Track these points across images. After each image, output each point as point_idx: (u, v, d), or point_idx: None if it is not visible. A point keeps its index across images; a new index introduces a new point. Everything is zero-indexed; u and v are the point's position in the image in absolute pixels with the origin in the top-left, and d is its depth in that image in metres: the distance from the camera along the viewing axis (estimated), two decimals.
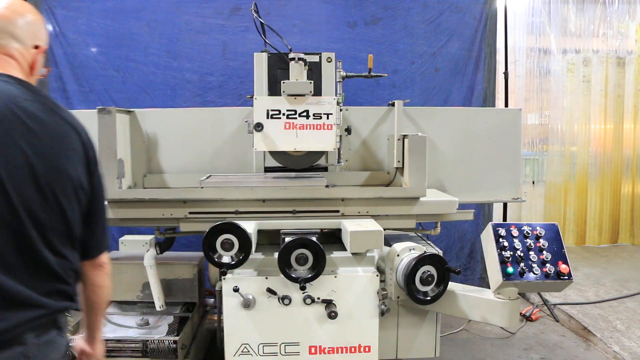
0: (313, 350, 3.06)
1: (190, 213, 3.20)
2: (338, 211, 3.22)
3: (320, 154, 3.43)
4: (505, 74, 5.42)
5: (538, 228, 3.07)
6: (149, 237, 3.90)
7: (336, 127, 3.19)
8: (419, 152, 3.25)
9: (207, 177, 3.37)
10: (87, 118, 3.58)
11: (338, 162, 3.54)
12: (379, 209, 3.25)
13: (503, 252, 2.97)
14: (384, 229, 2.98)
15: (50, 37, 4.96)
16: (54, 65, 5.02)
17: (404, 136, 3.44)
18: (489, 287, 3.06)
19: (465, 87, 5.11)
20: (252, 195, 3.18)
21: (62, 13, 4.94)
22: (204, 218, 3.18)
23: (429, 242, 3.61)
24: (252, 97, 3.24)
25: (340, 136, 3.41)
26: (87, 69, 5.01)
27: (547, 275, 2.93)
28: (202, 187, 3.22)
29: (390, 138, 3.70)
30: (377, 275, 3.03)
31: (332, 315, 2.95)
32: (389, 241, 3.28)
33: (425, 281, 2.93)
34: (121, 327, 3.75)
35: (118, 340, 3.48)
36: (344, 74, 3.61)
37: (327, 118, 3.17)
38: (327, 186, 3.21)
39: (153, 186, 3.69)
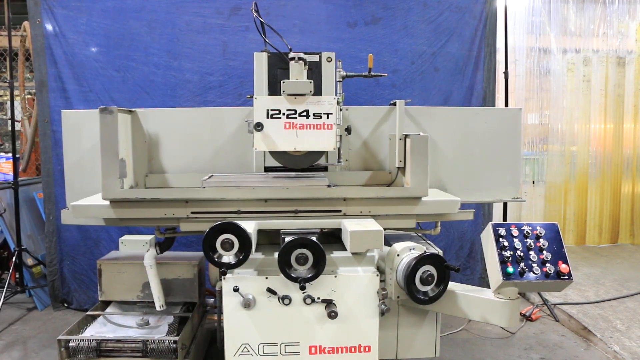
0: (313, 350, 3.06)
1: (192, 213, 3.20)
2: (340, 211, 3.22)
3: (320, 153, 3.43)
4: (505, 73, 5.43)
5: (538, 228, 3.07)
6: (149, 237, 3.92)
7: (336, 126, 3.19)
8: (420, 151, 3.25)
9: (209, 177, 3.37)
10: (86, 118, 3.66)
11: (338, 162, 3.54)
12: (381, 209, 3.25)
13: (503, 252, 2.98)
14: (384, 229, 2.98)
15: (50, 37, 4.97)
16: (54, 65, 5.02)
17: (406, 136, 3.45)
18: (489, 287, 3.06)
19: (465, 87, 5.11)
20: (254, 195, 3.18)
21: (62, 13, 4.94)
22: (206, 218, 3.17)
23: (428, 241, 3.62)
24: (252, 96, 3.25)
25: (341, 136, 3.41)
26: (86, 69, 5.01)
27: (547, 275, 2.93)
28: (204, 187, 3.22)
29: (392, 138, 3.71)
30: (377, 275, 3.03)
31: (332, 315, 2.96)
32: (389, 241, 3.28)
33: (425, 281, 2.93)
34: (121, 327, 3.75)
35: (118, 340, 3.48)
36: (344, 73, 3.61)
37: (327, 118, 3.17)
38: (329, 186, 3.21)
39: (155, 186, 3.69)
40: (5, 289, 5.15)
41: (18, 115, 6.79)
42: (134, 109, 3.69)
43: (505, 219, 5.41)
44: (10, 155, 5.96)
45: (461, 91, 5.11)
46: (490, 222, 3.10)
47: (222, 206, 3.20)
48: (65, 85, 5.03)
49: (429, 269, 2.93)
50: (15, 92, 5.56)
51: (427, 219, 3.40)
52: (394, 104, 3.74)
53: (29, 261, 5.58)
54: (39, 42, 5.02)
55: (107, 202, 3.20)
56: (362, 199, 3.23)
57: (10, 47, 5.40)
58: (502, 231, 3.04)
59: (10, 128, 5.72)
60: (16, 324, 5.03)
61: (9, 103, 6.32)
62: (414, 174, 3.26)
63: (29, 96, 7.34)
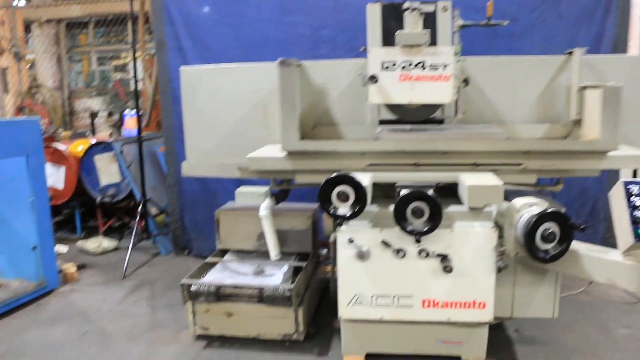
0: (426, 303, 3.08)
1: (369, 165, 3.24)
2: (520, 164, 3.15)
3: (436, 106, 3.35)
4: None
5: None
6: (264, 189, 4.05)
7: (453, 78, 3.09)
8: (612, 102, 3.04)
9: (381, 129, 3.38)
10: (203, 74, 3.80)
11: (455, 115, 3.44)
12: (563, 163, 3.14)
13: (635, 212, 2.77)
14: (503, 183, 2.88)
15: None
16: (171, 25, 5.24)
17: (584, 87, 3.24)
18: (613, 248, 2.88)
19: (592, 33, 4.71)
20: (433, 147, 3.16)
21: None
22: (382, 170, 3.20)
23: (550, 198, 3.44)
24: (365, 49, 3.21)
25: (458, 87, 3.30)
26: (201, 27, 5.17)
27: None
28: (378, 139, 3.23)
29: (569, 89, 3.47)
30: (495, 231, 2.95)
31: (447, 269, 2.94)
32: (507, 196, 3.17)
33: (546, 239, 2.82)
34: (238, 274, 3.96)
35: (235, 286, 3.67)
36: (461, 22, 3.46)
37: (444, 69, 3.07)
38: (507, 139, 3.14)
39: (321, 138, 3.69)
40: (133, 235, 5.61)
41: (140, 74, 7.20)
42: (301, 61, 3.64)
43: (635, 176, 5.01)
44: (134, 112, 6.37)
45: (588, 38, 4.71)
46: (621, 180, 2.89)
47: (399, 158, 3.22)
48: (182, 43, 5.25)
49: (551, 226, 2.81)
50: (137, 54, 5.88)
51: (552, 175, 3.24)
52: (570, 53, 3.50)
53: (153, 211, 6.01)
54: (157, 3, 5.25)
55: (277, 155, 3.30)
56: (543, 152, 3.13)
57: (132, 11, 5.71)
58: (635, 189, 2.82)
59: (133, 87, 6.11)
60: (143, 267, 5.49)
61: (131, 64, 6.73)
62: (605, 127, 3.06)
63: (148, 56, 7.77)
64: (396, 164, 3.22)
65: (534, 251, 2.83)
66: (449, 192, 3.22)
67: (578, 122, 3.33)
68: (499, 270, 2.99)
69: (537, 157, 3.14)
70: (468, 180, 2.91)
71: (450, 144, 3.15)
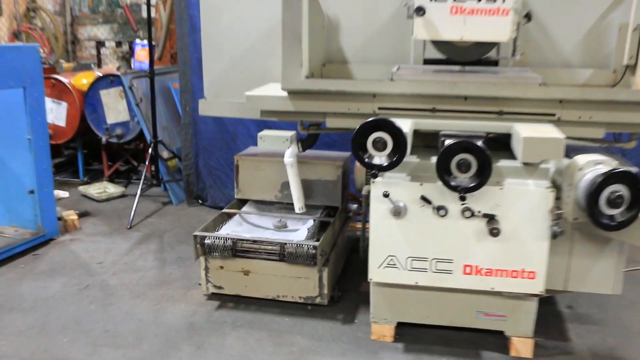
0: (468, 270, 3.11)
1: (379, 109, 3.25)
2: (554, 114, 3.11)
3: (491, 44, 3.30)
4: None
5: None
6: (290, 133, 4.09)
7: (513, 12, 3.03)
8: None
9: (398, 69, 3.37)
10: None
11: (512, 56, 3.38)
12: (606, 115, 3.07)
13: None
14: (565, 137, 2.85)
15: None
16: None
17: None
18: None
19: None
20: (453, 91, 3.13)
21: None
22: (393, 114, 3.17)
23: (620, 156, 3.40)
24: None
25: (518, 24, 3.23)
26: None
27: None
28: (393, 80, 3.22)
29: (623, 27, 3.41)
30: (552, 191, 2.94)
31: (494, 232, 2.95)
32: (568, 152, 3.14)
33: (612, 203, 2.79)
34: (258, 227, 4.05)
35: (254, 241, 3.76)
36: None
37: (503, 1, 3.00)
38: (541, 84, 3.10)
39: (332, 77, 3.69)
40: (142, 181, 5.74)
41: None
42: None
43: None
44: (146, 42, 6.41)
45: None
46: None
47: (414, 102, 3.21)
48: None
49: (620, 188, 2.77)
50: None
51: (620, 129, 3.18)
52: None
53: (165, 154, 6.13)
54: None
55: (281, 93, 3.31)
56: (583, 101, 3.06)
57: None
58: None
59: (145, 14, 6.11)
60: (152, 216, 5.65)
61: None
62: None
63: None
64: (410, 108, 3.20)
65: (597, 216, 2.81)
66: (501, 144, 3.21)
67: (632, 68, 3.26)
68: (554, 236, 2.98)
69: (574, 106, 3.07)
70: (524, 130, 2.88)
71: (473, 88, 3.10)
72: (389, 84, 3.20)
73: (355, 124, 2.95)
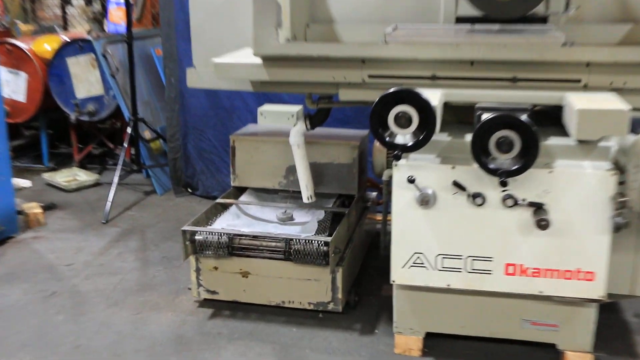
0: (511, 269, 3.12)
1: (370, 77, 3.26)
2: (579, 81, 3.10)
3: None
4: None
5: None
6: (296, 108, 4.08)
7: None
8: None
9: (394, 29, 3.37)
10: None
11: (565, 11, 3.36)
12: None
13: None
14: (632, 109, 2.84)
15: None
16: None
17: None
18: None
19: None
20: (457, 55, 3.13)
21: None
22: (386, 84, 3.17)
23: None
24: None
25: None
26: None
27: None
28: (386, 42, 3.23)
29: None
30: (614, 174, 2.94)
31: (543, 224, 2.95)
32: (634, 127, 3.12)
33: None
34: (258, 220, 4.07)
35: (255, 237, 3.77)
36: None
37: None
38: (564, 44, 3.09)
39: (319, 39, 3.72)
40: (119, 166, 5.76)
41: None
42: None
43: None
44: (122, 0, 6.39)
45: None
46: None
47: (411, 69, 3.21)
48: None
49: None
50: None
51: None
52: None
53: (146, 134, 6.14)
54: None
55: (259, 60, 3.33)
56: (614, 64, 3.05)
57: None
58: None
59: None
60: (132, 209, 5.69)
61: None
62: None
63: None
64: (405, 76, 3.20)
65: None
66: (551, 119, 3.20)
67: None
68: (617, 228, 2.98)
69: (603, 71, 3.05)
70: (578, 102, 2.87)
71: (481, 50, 3.08)
72: (379, 48, 3.21)
73: (375, 96, 2.94)
